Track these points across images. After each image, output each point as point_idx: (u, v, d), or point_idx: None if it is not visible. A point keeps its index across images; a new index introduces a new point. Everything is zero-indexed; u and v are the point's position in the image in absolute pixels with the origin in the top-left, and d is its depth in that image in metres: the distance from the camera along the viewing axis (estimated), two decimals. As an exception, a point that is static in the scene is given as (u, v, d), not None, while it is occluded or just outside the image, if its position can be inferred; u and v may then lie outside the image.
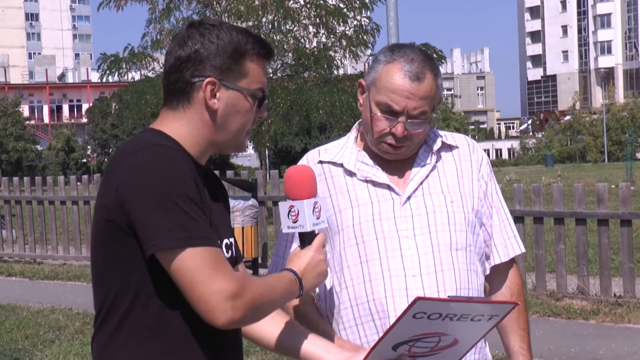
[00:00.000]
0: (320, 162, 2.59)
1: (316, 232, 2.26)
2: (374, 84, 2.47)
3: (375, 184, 2.52)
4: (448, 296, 2.39)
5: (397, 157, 2.51)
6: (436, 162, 2.57)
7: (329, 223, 2.44)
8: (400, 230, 2.47)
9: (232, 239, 2.22)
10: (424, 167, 2.54)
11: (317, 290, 2.57)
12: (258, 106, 2.16)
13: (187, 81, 2.10)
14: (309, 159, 2.63)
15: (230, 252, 2.20)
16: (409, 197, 2.50)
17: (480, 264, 2.59)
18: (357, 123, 2.68)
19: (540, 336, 7.93)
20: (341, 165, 2.56)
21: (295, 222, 2.25)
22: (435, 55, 22.35)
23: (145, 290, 2.02)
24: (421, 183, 2.52)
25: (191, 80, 2.09)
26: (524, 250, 2.71)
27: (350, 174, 2.54)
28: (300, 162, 2.62)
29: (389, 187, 2.51)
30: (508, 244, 2.66)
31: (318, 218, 2.26)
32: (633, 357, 7.40)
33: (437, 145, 2.58)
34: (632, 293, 9.26)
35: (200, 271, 1.93)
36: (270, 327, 2.32)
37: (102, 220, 2.03)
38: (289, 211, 2.27)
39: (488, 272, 2.65)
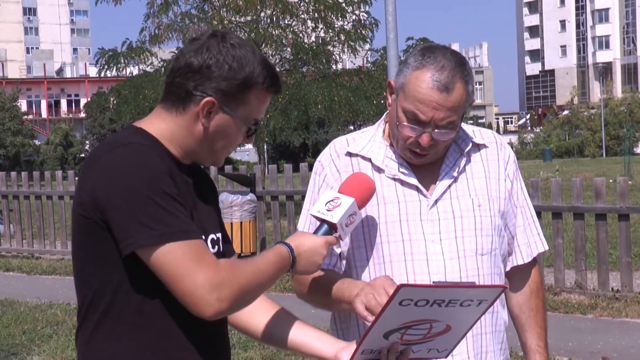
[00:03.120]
0: (349, 153, 2.53)
1: (334, 234, 2.26)
2: (402, 89, 2.38)
3: (403, 183, 2.47)
4: (433, 282, 2.39)
5: (423, 161, 2.45)
6: (465, 164, 2.51)
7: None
8: (426, 233, 2.44)
9: (219, 234, 2.22)
10: (453, 170, 2.49)
11: None
12: (247, 135, 2.16)
13: (188, 91, 2.08)
14: (337, 147, 2.56)
15: (216, 247, 2.20)
16: (436, 201, 2.46)
17: (504, 264, 2.58)
18: (384, 115, 2.61)
19: (538, 330, 7.92)
20: (369, 160, 2.51)
21: (329, 210, 2.25)
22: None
23: (124, 285, 2.03)
24: (449, 186, 2.47)
25: (192, 92, 2.07)
26: (547, 247, 2.67)
27: (379, 170, 2.49)
28: (327, 149, 2.58)
29: (417, 188, 2.46)
30: (531, 242, 2.63)
31: (347, 226, 2.27)
32: (630, 350, 7.41)
33: (468, 146, 2.52)
34: (629, 287, 9.27)
35: (183, 265, 1.93)
36: (260, 317, 2.31)
37: (80, 218, 2.04)
38: (332, 200, 2.27)
39: (508, 269, 2.62)
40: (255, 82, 2.08)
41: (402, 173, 2.47)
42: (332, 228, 2.25)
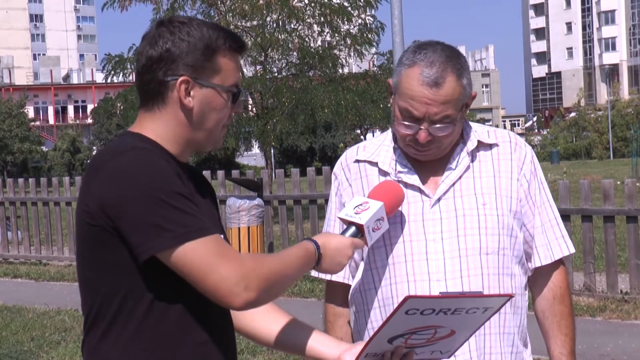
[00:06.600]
0: (357, 160, 2.57)
1: (361, 235, 2.27)
2: (397, 88, 2.42)
3: (406, 185, 2.47)
4: (440, 292, 2.38)
5: (427, 157, 2.45)
6: (471, 162, 2.49)
7: None
8: (427, 233, 2.43)
9: (222, 235, 2.21)
10: (457, 169, 2.48)
11: (351, 290, 2.59)
12: (233, 102, 2.15)
13: (160, 81, 2.09)
14: (348, 157, 2.61)
15: None
16: (438, 199, 2.45)
17: (520, 266, 2.52)
18: None
19: (547, 334, 7.90)
20: (376, 164, 2.53)
21: (357, 213, 2.27)
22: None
23: (133, 292, 2.02)
24: (453, 185, 2.46)
25: (164, 80, 2.08)
26: (573, 251, 2.61)
27: (385, 173, 2.51)
28: (340, 159, 2.62)
29: (419, 189, 2.46)
30: (553, 245, 2.56)
31: (374, 230, 2.28)
32: (640, 354, 7.38)
33: (473, 144, 2.50)
34: (638, 289, 9.24)
35: (207, 261, 1.92)
36: (266, 322, 2.32)
37: (86, 226, 2.02)
38: (360, 204, 2.29)
39: (530, 273, 2.58)
40: (217, 46, 2.10)
41: (405, 175, 2.48)
42: (359, 231, 2.26)
